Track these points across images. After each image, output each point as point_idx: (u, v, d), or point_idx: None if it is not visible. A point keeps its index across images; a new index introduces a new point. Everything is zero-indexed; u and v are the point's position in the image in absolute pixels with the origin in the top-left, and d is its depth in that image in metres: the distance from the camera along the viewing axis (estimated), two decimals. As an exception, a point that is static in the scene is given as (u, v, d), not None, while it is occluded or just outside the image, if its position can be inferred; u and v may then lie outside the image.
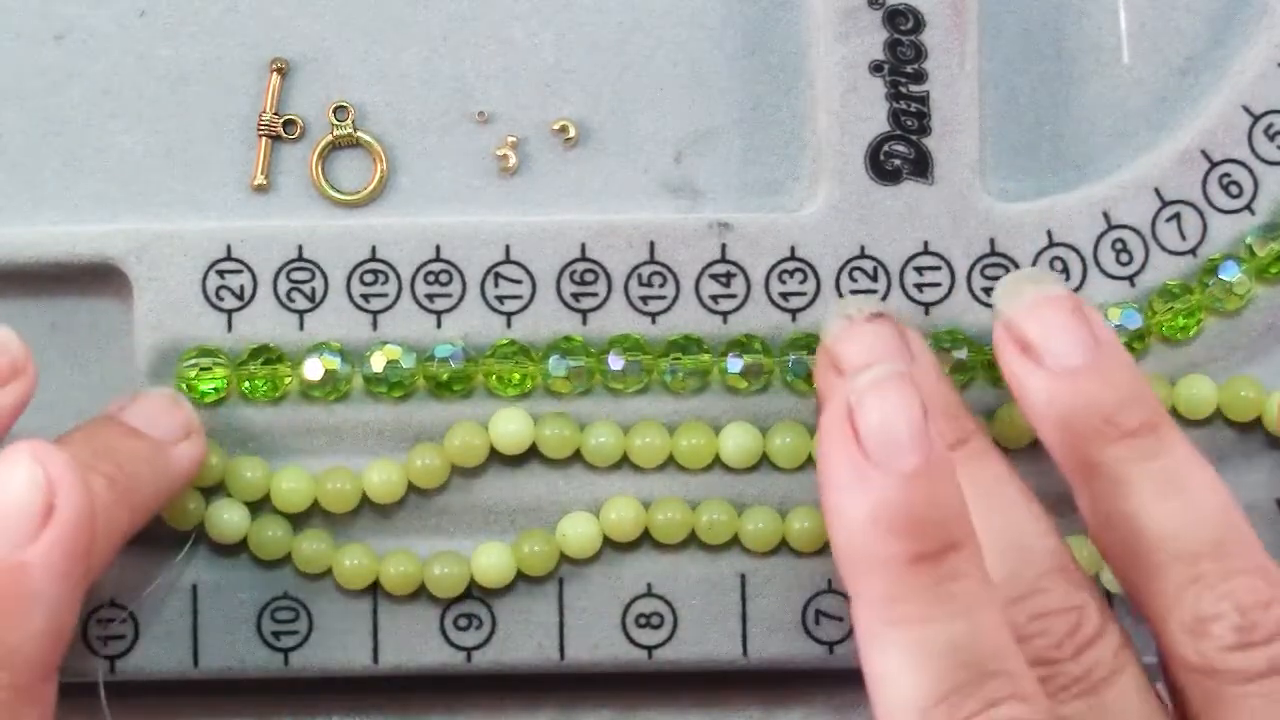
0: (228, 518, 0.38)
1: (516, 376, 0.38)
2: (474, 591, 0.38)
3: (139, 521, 0.35)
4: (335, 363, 0.38)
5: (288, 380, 0.38)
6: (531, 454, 0.39)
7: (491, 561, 0.38)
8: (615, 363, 0.38)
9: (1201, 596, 0.33)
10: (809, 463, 0.38)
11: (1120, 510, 0.34)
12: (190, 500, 0.38)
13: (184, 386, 0.38)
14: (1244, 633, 0.32)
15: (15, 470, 0.31)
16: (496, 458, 0.39)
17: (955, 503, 0.31)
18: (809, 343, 0.38)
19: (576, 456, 0.39)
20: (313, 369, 0.38)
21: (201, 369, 0.38)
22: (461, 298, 0.38)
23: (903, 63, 0.38)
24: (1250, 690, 0.32)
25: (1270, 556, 0.33)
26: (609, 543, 0.39)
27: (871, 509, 0.31)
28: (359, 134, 0.39)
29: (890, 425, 0.31)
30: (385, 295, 0.38)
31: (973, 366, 0.38)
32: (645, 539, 0.39)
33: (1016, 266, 0.38)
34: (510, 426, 0.38)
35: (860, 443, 0.31)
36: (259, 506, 0.38)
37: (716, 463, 0.39)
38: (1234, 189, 0.39)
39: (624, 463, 0.39)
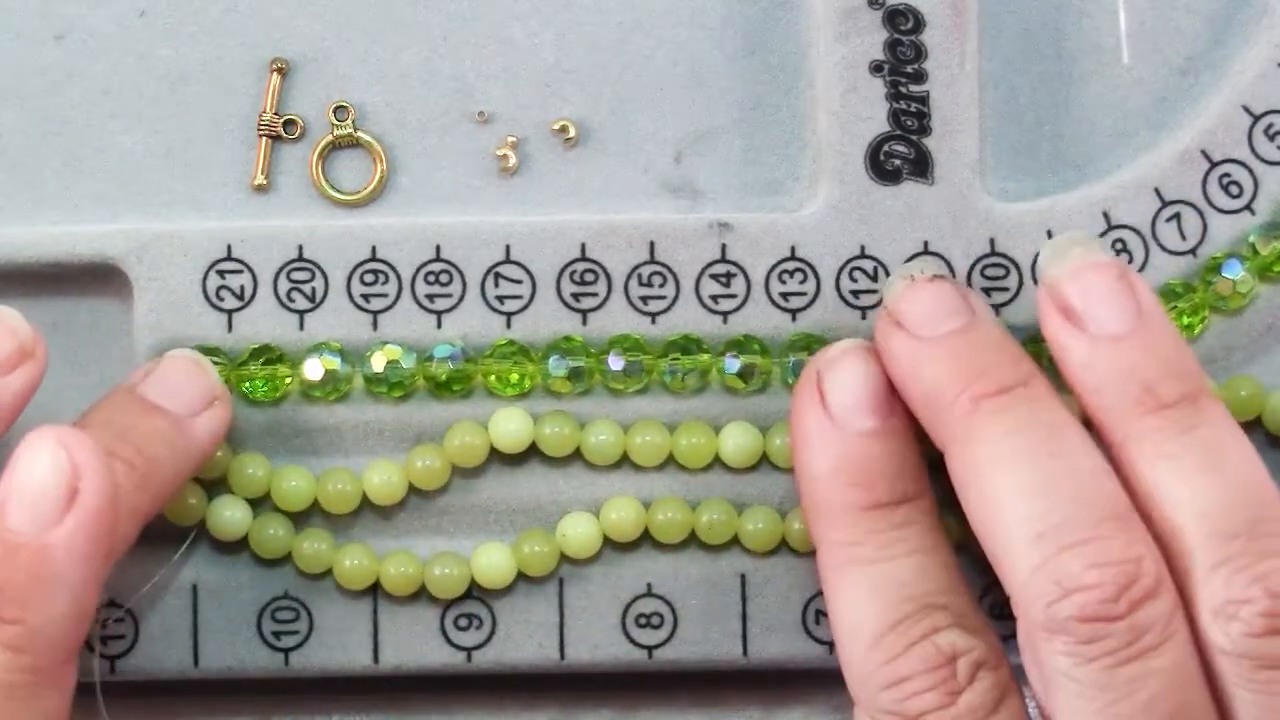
0: (229, 515, 0.38)
1: (515, 376, 0.38)
2: (474, 592, 0.38)
3: (160, 503, 0.36)
4: (335, 363, 0.38)
5: (288, 380, 0.38)
6: (531, 454, 0.39)
7: (492, 562, 0.38)
8: (615, 363, 0.38)
9: (1232, 579, 0.32)
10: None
11: (1153, 484, 0.33)
12: (191, 496, 0.38)
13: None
14: (1272, 619, 0.32)
15: (40, 454, 0.32)
16: (496, 458, 0.39)
17: (910, 461, 0.36)
18: (809, 343, 0.38)
19: (576, 456, 0.39)
20: (313, 369, 0.38)
21: None
22: (461, 298, 0.38)
23: (903, 63, 0.38)
24: (1277, 676, 0.32)
25: None
26: (609, 543, 0.39)
27: (833, 462, 0.35)
28: (359, 134, 0.39)
29: (850, 390, 0.36)
30: (385, 295, 0.38)
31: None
32: (645, 539, 0.39)
33: (1017, 267, 0.38)
34: (510, 426, 0.38)
35: (825, 405, 0.36)
36: (259, 505, 0.38)
37: (716, 462, 0.39)
38: (1234, 189, 0.39)
39: (624, 462, 0.39)
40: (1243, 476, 0.33)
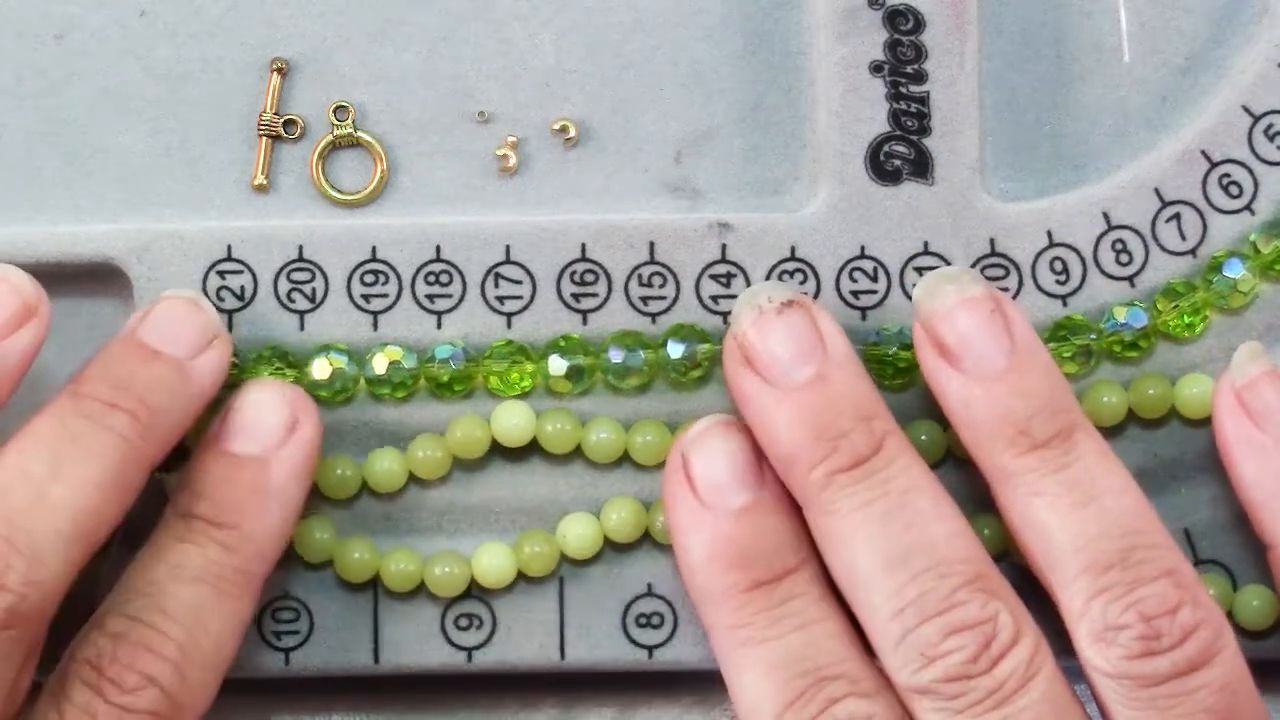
0: None
1: (515, 376, 0.38)
2: (474, 591, 0.38)
3: (165, 449, 0.36)
4: (342, 361, 0.38)
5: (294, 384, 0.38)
6: (532, 453, 0.39)
7: (492, 562, 0.38)
8: (615, 354, 0.38)
9: (1108, 607, 0.34)
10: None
11: (1030, 521, 0.35)
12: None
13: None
14: (1149, 641, 0.33)
15: (265, 393, 0.37)
16: (498, 456, 0.39)
17: (785, 532, 0.35)
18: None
19: (577, 455, 0.39)
20: (320, 369, 0.38)
21: None
22: (462, 298, 0.39)
23: (903, 63, 0.38)
24: (1159, 692, 0.33)
25: (1182, 555, 0.34)
26: (609, 543, 0.39)
27: (708, 547, 0.35)
28: (359, 134, 0.39)
29: (716, 471, 0.36)
30: (386, 295, 0.38)
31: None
32: (646, 539, 0.39)
33: (1017, 267, 0.39)
34: (512, 420, 0.38)
35: (694, 488, 0.36)
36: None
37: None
38: (1234, 189, 0.39)
39: (624, 461, 0.39)
40: (1115, 507, 0.34)
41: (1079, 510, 0.34)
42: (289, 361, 0.38)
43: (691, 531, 0.36)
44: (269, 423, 0.36)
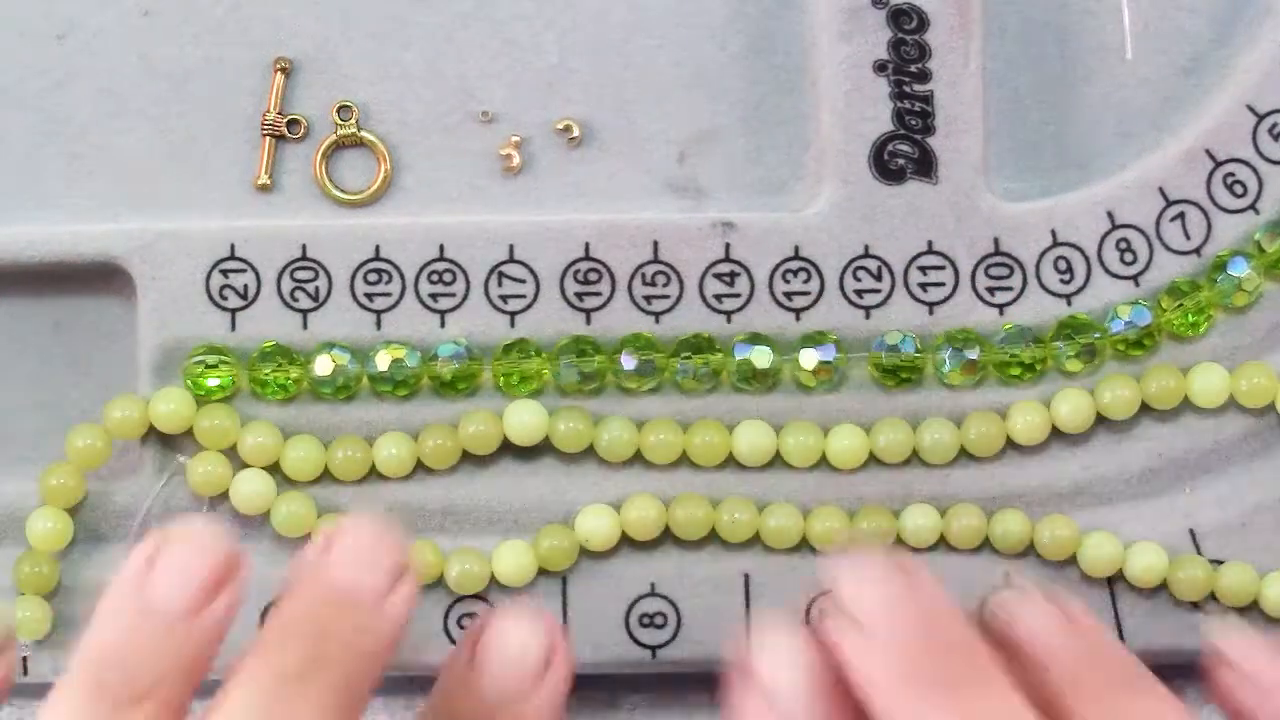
0: (247, 490, 0.38)
1: (516, 378, 0.38)
2: (478, 590, 0.38)
3: (365, 704, 0.34)
4: (345, 359, 0.38)
5: (300, 383, 0.38)
6: (543, 452, 0.39)
7: (516, 560, 0.38)
8: (628, 362, 0.38)
9: None
10: (823, 461, 0.38)
11: None
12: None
13: (190, 383, 0.38)
14: None
15: (522, 628, 0.34)
16: (507, 455, 0.39)
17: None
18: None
19: (588, 455, 0.39)
20: (322, 365, 0.38)
21: (208, 366, 0.38)
22: (465, 297, 0.38)
23: (907, 62, 0.38)
24: None
25: None
26: (622, 540, 0.38)
27: None
28: (363, 133, 0.39)
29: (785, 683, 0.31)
30: (389, 295, 0.38)
31: (983, 366, 0.38)
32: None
33: (1020, 266, 0.38)
34: (525, 417, 0.38)
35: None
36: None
37: (729, 461, 0.39)
38: (1238, 188, 0.39)
39: (636, 460, 0.39)
40: None
41: None
42: (291, 358, 0.38)
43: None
44: (525, 664, 0.34)
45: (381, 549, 0.33)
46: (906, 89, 0.38)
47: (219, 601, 0.33)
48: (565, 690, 0.34)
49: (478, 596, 0.38)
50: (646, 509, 0.38)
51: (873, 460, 0.39)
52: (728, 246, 0.39)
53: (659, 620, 0.38)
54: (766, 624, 0.32)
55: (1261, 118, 0.39)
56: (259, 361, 0.38)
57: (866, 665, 0.31)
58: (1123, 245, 0.39)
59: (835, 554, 0.32)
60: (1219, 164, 0.39)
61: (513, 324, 0.38)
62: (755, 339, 0.38)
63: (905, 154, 0.39)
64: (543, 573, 0.38)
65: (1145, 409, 0.39)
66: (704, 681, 0.40)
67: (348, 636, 0.32)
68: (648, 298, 0.39)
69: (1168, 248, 0.39)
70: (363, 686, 0.32)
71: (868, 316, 0.38)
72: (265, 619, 0.34)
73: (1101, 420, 0.39)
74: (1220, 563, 0.38)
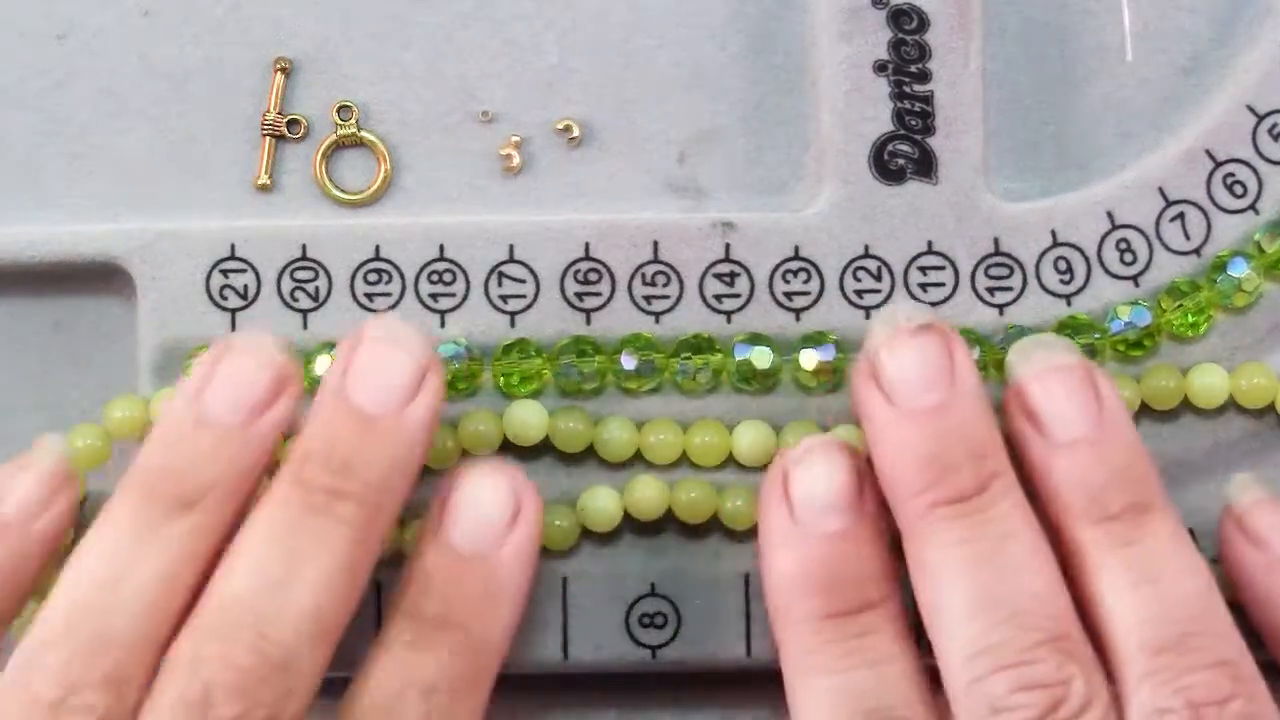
0: None
1: (517, 378, 0.38)
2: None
3: (394, 519, 0.35)
4: None
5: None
6: (543, 452, 0.39)
7: None
8: (628, 362, 0.38)
9: (1158, 691, 0.33)
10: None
11: (1091, 594, 0.34)
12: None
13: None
14: None
15: (486, 482, 0.35)
16: (508, 456, 0.38)
17: (873, 564, 0.35)
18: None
19: (589, 455, 0.39)
20: (324, 365, 0.38)
21: None
22: (465, 297, 0.38)
23: (907, 62, 0.38)
24: None
25: (1245, 650, 0.34)
26: (613, 542, 0.38)
27: (796, 566, 0.35)
28: (363, 133, 0.39)
29: (815, 492, 0.35)
30: (389, 295, 0.38)
31: (984, 366, 0.38)
32: (649, 536, 0.39)
33: (1021, 267, 0.38)
34: (525, 417, 0.38)
35: (790, 506, 0.35)
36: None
37: (729, 461, 0.39)
38: (1238, 189, 0.39)
39: (636, 460, 0.39)
40: (1177, 591, 0.34)
41: (1139, 590, 0.34)
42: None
43: (780, 548, 0.35)
44: (494, 516, 0.35)
45: (399, 359, 0.35)
46: (906, 89, 0.38)
47: (272, 412, 0.35)
48: (536, 539, 0.36)
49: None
50: (649, 490, 0.38)
51: (873, 460, 0.39)
52: (728, 247, 0.39)
53: (659, 620, 0.38)
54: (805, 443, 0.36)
55: (1261, 118, 0.39)
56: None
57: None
58: (1122, 245, 0.39)
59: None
60: (1219, 164, 0.39)
61: (513, 324, 0.38)
62: (755, 339, 0.38)
63: (905, 154, 0.39)
64: (544, 553, 0.38)
65: (1145, 409, 0.39)
66: (704, 682, 0.40)
67: (368, 464, 0.34)
68: (648, 298, 0.39)
69: (1167, 248, 0.39)
70: (387, 508, 0.34)
71: (868, 317, 0.38)
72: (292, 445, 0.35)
73: (1101, 420, 0.39)
74: (1217, 563, 0.38)
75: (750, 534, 0.38)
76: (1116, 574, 0.34)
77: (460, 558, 0.35)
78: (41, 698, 0.32)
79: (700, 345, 0.38)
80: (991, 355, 0.38)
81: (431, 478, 0.38)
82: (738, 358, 0.38)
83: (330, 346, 0.38)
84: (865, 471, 0.36)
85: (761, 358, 0.38)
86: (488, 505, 0.35)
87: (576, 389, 0.38)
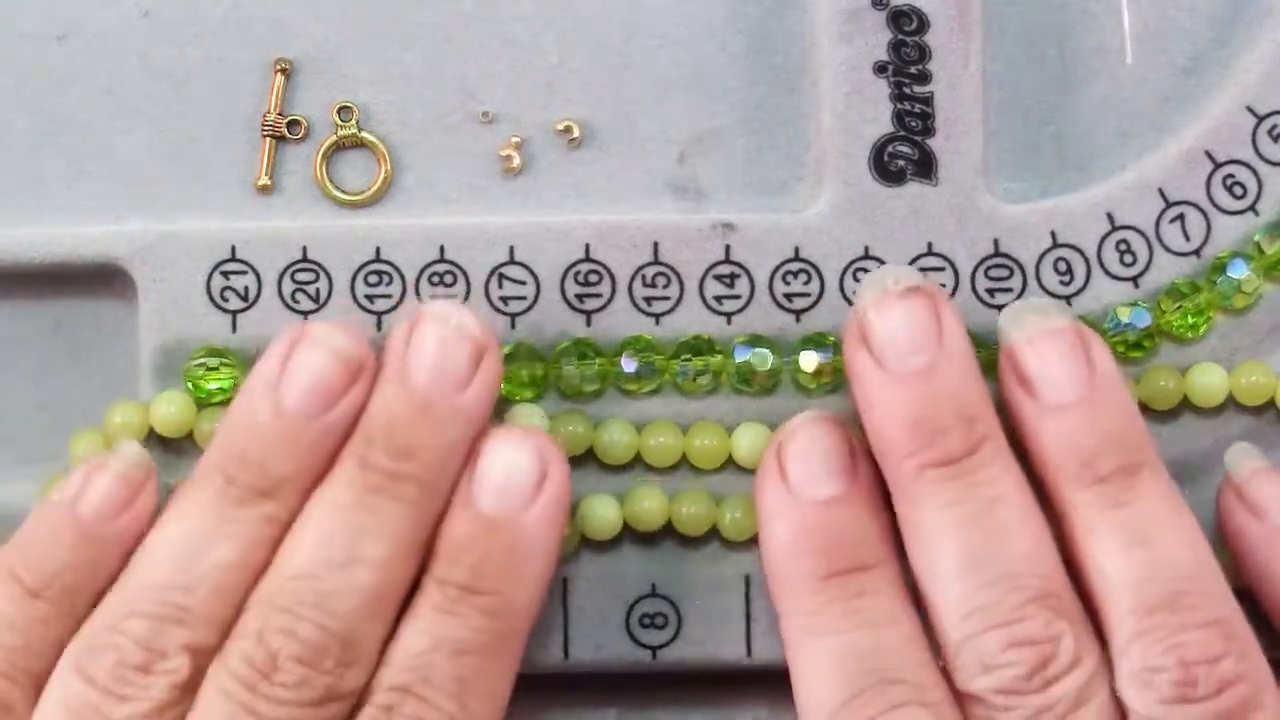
0: None
1: (517, 382, 0.38)
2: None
3: (449, 497, 0.36)
4: None
5: None
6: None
7: None
8: (628, 364, 0.38)
9: (1149, 650, 0.33)
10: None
11: (1082, 555, 0.35)
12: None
13: (190, 385, 0.38)
14: (1183, 687, 0.33)
15: (513, 447, 0.36)
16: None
17: (870, 528, 0.36)
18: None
19: (589, 458, 0.39)
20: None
21: (208, 368, 0.38)
22: (465, 299, 0.38)
23: (907, 64, 0.38)
24: None
25: (1238, 609, 0.34)
26: (613, 544, 0.39)
27: (791, 532, 0.35)
28: (363, 134, 0.39)
29: (808, 460, 0.36)
30: (389, 296, 0.38)
31: (983, 367, 0.38)
32: (650, 537, 0.39)
33: (1021, 268, 0.39)
34: (525, 421, 0.38)
35: (784, 476, 0.36)
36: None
37: (729, 463, 0.39)
38: (1238, 190, 0.39)
39: (637, 463, 0.39)
40: (1169, 552, 0.34)
41: (1131, 550, 0.34)
42: None
43: (776, 517, 0.36)
44: (521, 481, 0.35)
45: (456, 342, 0.36)
46: (906, 90, 0.39)
47: (345, 401, 0.36)
48: (564, 501, 0.36)
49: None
50: (650, 502, 0.38)
51: (873, 461, 0.39)
52: (728, 248, 0.39)
53: (659, 621, 0.39)
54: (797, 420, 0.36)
55: (1261, 119, 0.39)
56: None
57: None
58: (1122, 247, 0.39)
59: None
60: (1218, 165, 0.39)
61: (513, 325, 0.39)
62: (755, 341, 0.38)
63: (905, 155, 0.39)
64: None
65: (1144, 409, 0.39)
66: (704, 682, 0.40)
67: (428, 447, 0.35)
68: (648, 299, 0.39)
69: (1167, 249, 0.39)
70: (444, 485, 0.35)
71: (868, 318, 0.38)
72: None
73: (1101, 421, 0.39)
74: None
75: (750, 543, 0.38)
76: (1108, 536, 0.34)
77: (488, 522, 0.35)
78: (128, 659, 0.34)
79: (700, 347, 0.38)
80: (990, 356, 0.38)
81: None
82: (738, 359, 0.38)
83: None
84: (858, 440, 0.36)
85: (761, 360, 0.38)
86: (514, 469, 0.35)
87: (577, 391, 0.38)
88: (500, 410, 0.38)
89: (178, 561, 0.35)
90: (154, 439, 0.38)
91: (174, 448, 0.39)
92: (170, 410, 0.38)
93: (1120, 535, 0.34)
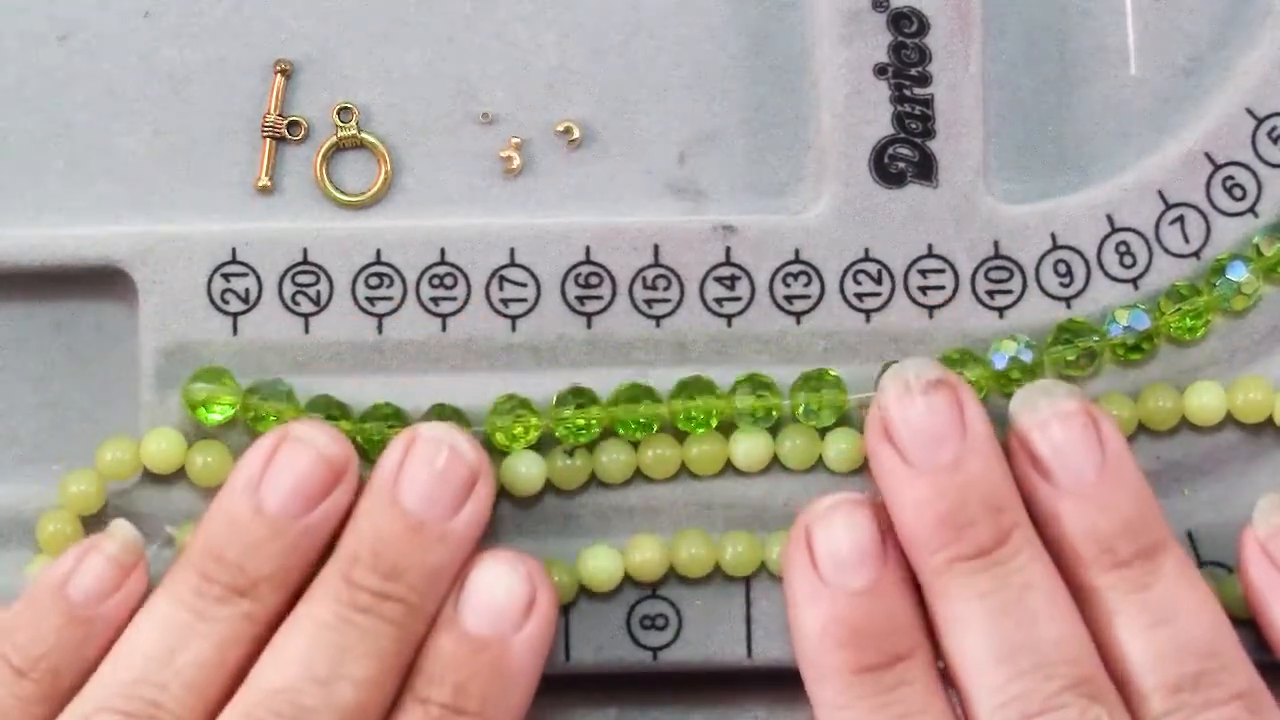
0: None
1: (520, 430, 0.38)
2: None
3: (434, 618, 0.36)
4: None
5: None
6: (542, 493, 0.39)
7: None
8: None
9: None
10: (819, 464, 0.38)
11: (1107, 638, 0.35)
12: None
13: (188, 404, 0.38)
14: None
15: (503, 569, 0.36)
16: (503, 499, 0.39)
17: (903, 617, 0.35)
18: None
19: (590, 478, 0.39)
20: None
21: (208, 403, 0.38)
22: (466, 301, 0.39)
23: (907, 65, 0.38)
24: None
25: (1257, 676, 0.34)
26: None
27: (822, 623, 0.35)
28: (363, 135, 0.39)
29: (840, 548, 0.35)
30: (390, 298, 0.39)
31: (982, 388, 0.38)
32: (649, 537, 0.39)
33: (1021, 269, 0.39)
34: (522, 470, 0.38)
35: (814, 562, 0.35)
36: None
37: (727, 468, 0.39)
38: (1237, 191, 0.39)
39: (636, 475, 0.39)
40: (1191, 628, 0.34)
41: (1154, 630, 0.34)
42: (289, 398, 0.38)
43: (807, 605, 0.35)
44: (511, 604, 0.35)
45: (451, 466, 0.36)
46: (907, 92, 0.39)
47: (327, 504, 0.36)
48: (550, 631, 0.36)
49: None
50: (650, 553, 0.38)
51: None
52: (728, 250, 0.39)
53: (660, 622, 0.39)
54: (826, 499, 0.36)
55: (1261, 121, 0.39)
56: (254, 395, 0.38)
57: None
58: (1122, 248, 0.39)
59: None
60: (1218, 167, 0.39)
61: (514, 328, 0.39)
62: (755, 383, 0.38)
63: (905, 157, 0.39)
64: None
65: (1142, 428, 0.39)
66: (704, 682, 0.40)
67: (416, 570, 0.35)
68: (649, 301, 0.39)
69: (1167, 251, 0.39)
70: (430, 607, 0.35)
71: (868, 320, 0.38)
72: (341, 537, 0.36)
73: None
74: (1217, 564, 0.39)
75: (750, 568, 0.38)
76: (1132, 618, 0.35)
77: (475, 642, 0.35)
78: None
79: (699, 389, 0.38)
80: (987, 375, 0.38)
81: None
82: (739, 406, 0.38)
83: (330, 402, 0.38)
84: (886, 522, 0.36)
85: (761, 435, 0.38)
86: (504, 591, 0.35)
87: (574, 439, 0.38)
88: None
89: (152, 658, 0.34)
90: (145, 475, 0.39)
91: (168, 480, 0.39)
92: (162, 447, 0.38)
93: (1144, 617, 0.35)
